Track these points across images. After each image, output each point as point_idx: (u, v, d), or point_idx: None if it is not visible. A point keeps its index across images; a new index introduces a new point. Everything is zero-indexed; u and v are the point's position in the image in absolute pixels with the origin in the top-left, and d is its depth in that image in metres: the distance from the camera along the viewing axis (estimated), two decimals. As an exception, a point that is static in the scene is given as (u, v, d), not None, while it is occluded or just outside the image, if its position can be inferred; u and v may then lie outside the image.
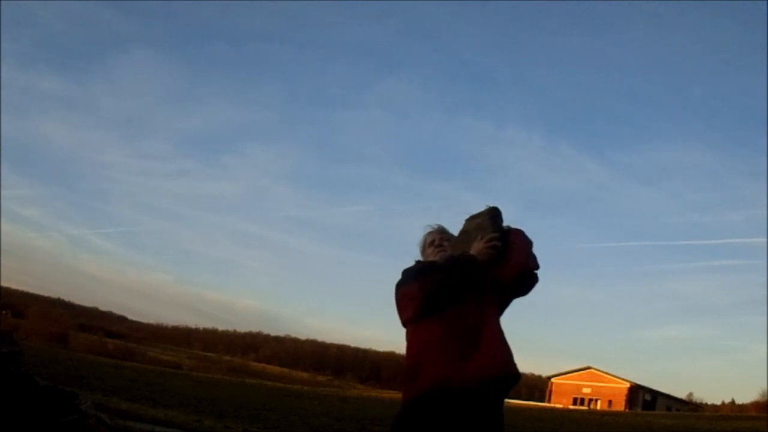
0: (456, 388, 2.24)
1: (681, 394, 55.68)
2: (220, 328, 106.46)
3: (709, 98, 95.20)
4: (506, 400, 2.43)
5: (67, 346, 45.47)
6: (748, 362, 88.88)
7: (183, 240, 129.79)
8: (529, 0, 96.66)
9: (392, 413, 2.43)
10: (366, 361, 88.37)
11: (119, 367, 25.89)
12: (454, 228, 2.68)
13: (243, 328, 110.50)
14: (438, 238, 2.65)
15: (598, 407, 46.12)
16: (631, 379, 50.34)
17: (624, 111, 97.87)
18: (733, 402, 54.23)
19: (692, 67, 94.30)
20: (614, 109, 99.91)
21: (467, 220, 2.57)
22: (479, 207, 2.60)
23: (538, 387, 60.74)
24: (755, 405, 45.72)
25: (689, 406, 52.71)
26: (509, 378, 2.35)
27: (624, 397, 48.74)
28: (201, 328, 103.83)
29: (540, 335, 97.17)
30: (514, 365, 2.39)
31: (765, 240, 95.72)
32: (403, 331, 2.50)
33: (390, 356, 79.46)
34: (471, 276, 2.39)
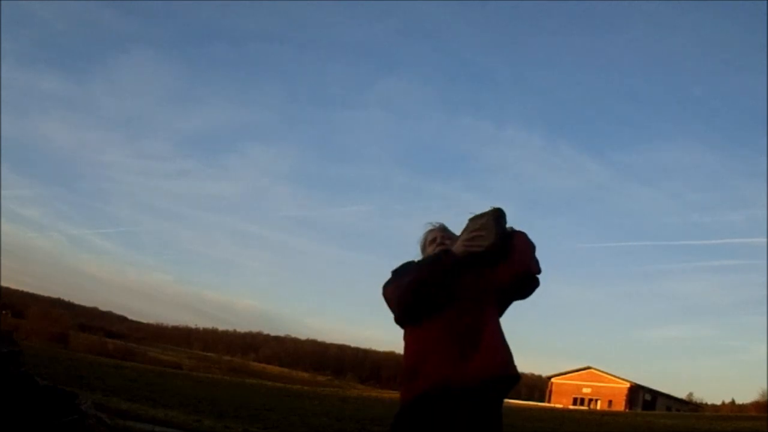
0: (456, 389, 2.24)
1: (681, 394, 55.75)
2: (220, 328, 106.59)
3: (709, 98, 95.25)
4: (506, 400, 2.42)
5: (67, 346, 45.48)
6: (748, 362, 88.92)
7: (183, 240, 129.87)
8: (529, 0, 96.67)
9: (392, 413, 2.42)
10: (366, 361, 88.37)
11: (119, 367, 25.90)
12: (455, 227, 2.67)
13: (243, 328, 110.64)
14: (439, 236, 2.63)
15: (598, 407, 46.12)
16: (631, 379, 50.39)
17: (624, 111, 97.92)
18: (733, 402, 54.27)
19: (692, 67, 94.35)
20: (614, 109, 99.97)
21: (470, 220, 2.54)
22: (479, 207, 2.58)
23: (538, 387, 60.74)
24: (755, 405, 45.72)
25: (689, 406, 52.72)
26: (509, 378, 2.34)
27: (624, 397, 48.74)
28: (201, 328, 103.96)
29: (540, 335, 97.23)
30: (514, 366, 2.39)
31: (765, 240, 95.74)
32: (402, 331, 2.50)
33: (390, 356, 79.43)
34: (448, 273, 2.36)
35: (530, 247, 2.49)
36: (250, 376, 49.95)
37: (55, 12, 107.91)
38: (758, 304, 75.97)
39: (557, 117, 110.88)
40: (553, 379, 55.04)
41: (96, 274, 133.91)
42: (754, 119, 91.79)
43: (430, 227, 2.69)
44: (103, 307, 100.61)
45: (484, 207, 2.56)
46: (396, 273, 2.51)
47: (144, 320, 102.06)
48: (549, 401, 49.83)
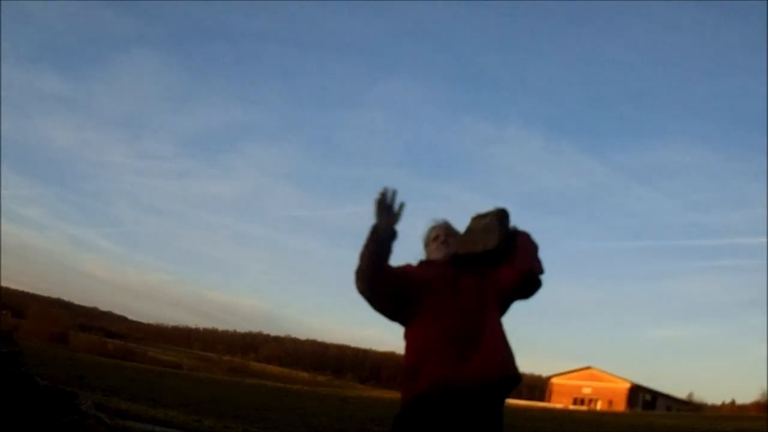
0: (455, 388, 2.23)
1: (681, 394, 55.74)
2: (220, 328, 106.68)
3: (709, 98, 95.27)
4: (506, 400, 2.42)
5: (67, 346, 45.48)
6: (748, 362, 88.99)
7: (183, 240, 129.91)
8: (529, 0, 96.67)
9: (392, 413, 2.42)
10: (366, 361, 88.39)
11: (119, 367, 25.90)
12: (458, 226, 2.67)
13: (243, 328, 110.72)
14: (443, 233, 2.62)
15: (598, 407, 46.12)
16: (631, 379, 50.39)
17: (624, 111, 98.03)
18: (733, 402, 54.21)
19: (693, 67, 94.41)
20: (615, 109, 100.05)
21: (474, 219, 2.54)
22: (479, 207, 2.58)
23: (538, 387, 60.74)
24: (755, 405, 45.69)
25: (689, 406, 52.69)
26: (509, 379, 2.33)
27: (624, 397, 48.75)
28: (201, 328, 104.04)
29: (540, 335, 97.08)
30: (515, 366, 2.38)
31: (765, 240, 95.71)
32: (402, 330, 2.50)
33: (390, 356, 79.45)
34: (385, 243, 2.35)
35: (533, 247, 2.48)
36: (250, 376, 49.95)
37: (55, 12, 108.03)
38: (758, 304, 75.89)
39: (558, 117, 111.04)
40: (553, 379, 55.05)
41: (96, 274, 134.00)
42: (754, 119, 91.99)
43: (433, 223, 2.68)
44: (103, 307, 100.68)
45: (485, 207, 2.57)
46: None
47: (144, 320, 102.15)
48: (549, 401, 49.81)
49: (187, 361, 63.45)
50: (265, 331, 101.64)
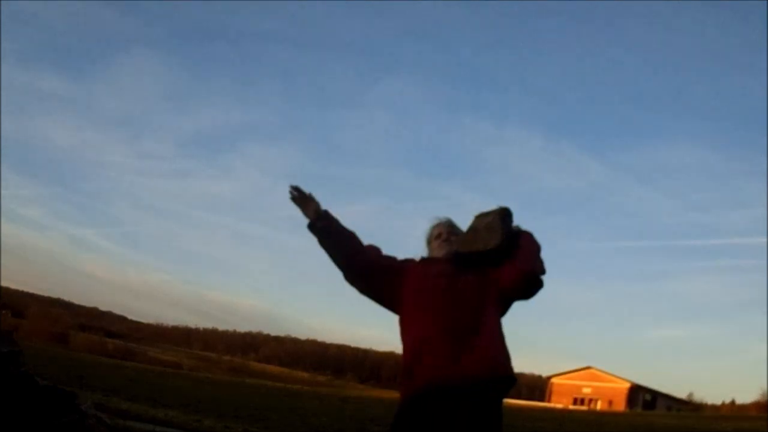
0: (449, 387, 2.23)
1: (681, 394, 55.67)
2: (220, 328, 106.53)
3: (709, 98, 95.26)
4: (506, 400, 2.42)
5: (67, 346, 45.49)
6: (748, 362, 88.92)
7: (183, 240, 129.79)
8: (529, 0, 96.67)
9: (392, 413, 2.42)
10: (366, 361, 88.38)
11: (119, 367, 25.91)
12: (458, 226, 2.67)
13: (243, 328, 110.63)
14: (445, 231, 2.62)
15: (598, 407, 46.12)
16: (631, 379, 50.38)
17: (624, 111, 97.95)
18: (733, 402, 54.09)
19: (693, 67, 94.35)
20: (615, 109, 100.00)
21: (477, 217, 2.54)
22: (479, 207, 2.58)
23: (538, 387, 60.73)
24: (755, 405, 45.64)
25: (689, 406, 52.63)
26: (503, 379, 2.33)
27: (624, 397, 48.74)
28: (201, 328, 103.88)
29: (540, 335, 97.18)
30: (509, 367, 2.37)
31: (765, 240, 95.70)
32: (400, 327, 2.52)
33: (390, 356, 79.41)
34: (328, 229, 2.57)
35: (535, 247, 2.48)
36: (250, 376, 49.95)
37: (55, 12, 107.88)
38: (758, 304, 75.81)
39: (558, 117, 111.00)
40: (553, 379, 55.03)
41: (96, 274, 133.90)
42: (754, 119, 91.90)
43: (436, 221, 2.69)
44: (103, 307, 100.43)
45: (485, 207, 2.57)
46: None
47: (144, 320, 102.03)
48: (549, 401, 49.81)
49: (187, 361, 63.46)
50: (265, 331, 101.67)
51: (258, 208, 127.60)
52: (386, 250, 2.64)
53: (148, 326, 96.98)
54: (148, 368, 32.33)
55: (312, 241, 2.63)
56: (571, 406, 44.57)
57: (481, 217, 2.52)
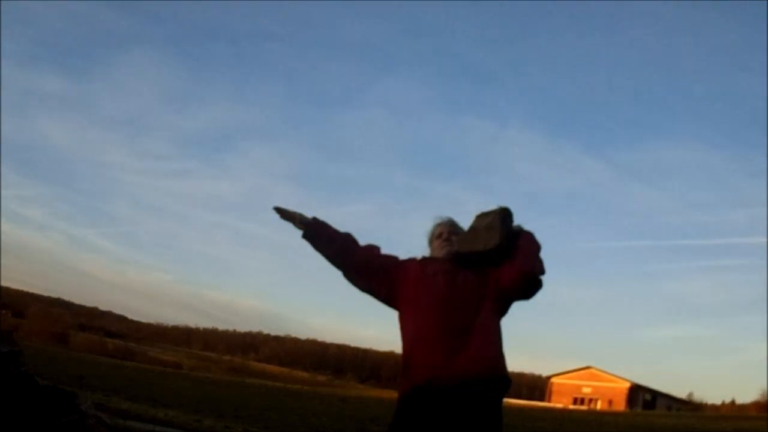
0: (444, 386, 2.24)
1: (681, 394, 55.70)
2: (220, 327, 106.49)
3: (710, 97, 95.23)
4: (506, 400, 2.42)
5: (67, 346, 45.50)
6: (748, 362, 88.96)
7: (183, 240, 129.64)
8: (530, 0, 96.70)
9: (392, 413, 2.43)
10: (366, 361, 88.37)
11: (119, 367, 25.91)
12: (460, 225, 2.68)
13: (243, 327, 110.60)
14: (446, 231, 2.63)
15: (598, 407, 46.13)
16: (631, 379, 50.39)
17: (625, 110, 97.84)
18: (733, 402, 54.16)
19: (693, 67, 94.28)
20: (615, 108, 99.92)
21: (477, 217, 2.55)
22: (479, 207, 2.59)
23: (538, 387, 60.75)
24: (755, 405, 45.66)
25: (689, 406, 52.67)
26: (495, 379, 2.33)
27: (624, 397, 48.76)
28: (201, 328, 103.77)
29: (540, 335, 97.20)
30: (502, 367, 2.38)
31: (765, 240, 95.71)
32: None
33: (390, 356, 79.38)
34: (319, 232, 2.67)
35: (535, 247, 2.48)
36: (250, 375, 49.95)
37: (55, 12, 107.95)
38: (758, 304, 75.78)
39: (558, 117, 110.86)
40: (553, 379, 55.04)
41: (96, 274, 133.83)
42: (754, 118, 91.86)
43: (438, 221, 2.71)
44: (103, 307, 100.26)
45: (485, 207, 2.57)
46: None
47: (144, 320, 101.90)
48: (549, 401, 49.82)
49: (187, 361, 63.47)
50: (265, 331, 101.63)
51: (258, 208, 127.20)
52: (386, 250, 2.66)
53: (148, 326, 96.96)
54: (148, 368, 32.34)
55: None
56: (571, 406, 44.56)
57: (481, 217, 2.53)
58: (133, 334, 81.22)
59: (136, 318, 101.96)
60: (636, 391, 49.88)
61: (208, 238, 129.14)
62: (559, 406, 42.80)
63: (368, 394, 36.40)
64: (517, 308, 2.52)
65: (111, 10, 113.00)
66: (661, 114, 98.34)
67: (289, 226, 2.70)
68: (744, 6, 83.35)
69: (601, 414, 32.58)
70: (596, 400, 49.09)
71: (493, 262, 2.45)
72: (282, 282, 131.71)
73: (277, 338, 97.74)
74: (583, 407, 43.90)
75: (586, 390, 51.22)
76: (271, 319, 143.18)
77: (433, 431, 2.23)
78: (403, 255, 2.66)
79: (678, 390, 68.68)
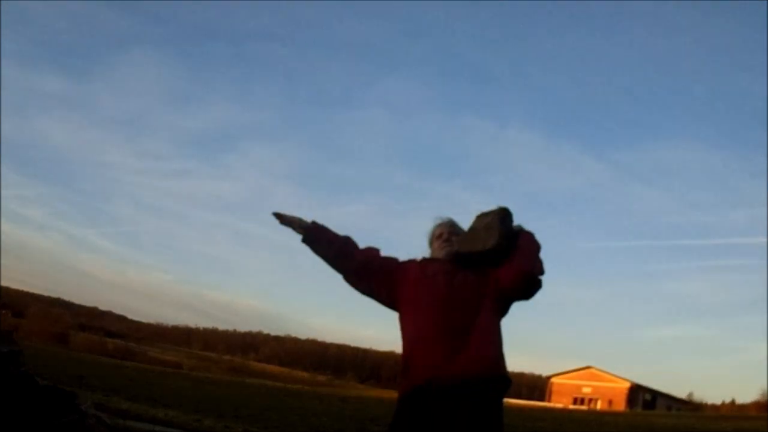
0: (443, 386, 2.25)
1: (681, 394, 55.71)
2: (221, 327, 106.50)
3: (709, 97, 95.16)
4: (506, 399, 2.42)
5: (67, 346, 45.50)
6: (748, 362, 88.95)
7: (183, 240, 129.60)
8: (530, 0, 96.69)
9: (392, 413, 2.43)
10: (366, 361, 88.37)
11: (119, 367, 25.92)
12: (460, 225, 2.68)
13: (243, 327, 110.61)
14: (446, 232, 2.64)
15: (598, 407, 46.12)
16: (631, 379, 50.39)
17: (625, 110, 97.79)
18: (733, 402, 54.15)
19: (693, 67, 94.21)
20: (615, 108, 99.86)
21: (477, 217, 2.55)
22: (480, 207, 2.59)
23: (538, 387, 60.74)
24: (755, 405, 45.66)
25: (689, 406, 52.66)
26: (495, 379, 2.33)
27: (624, 397, 48.75)
28: (201, 328, 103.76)
29: (540, 335, 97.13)
30: (502, 367, 2.37)
31: (765, 240, 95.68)
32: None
33: (390, 356, 79.38)
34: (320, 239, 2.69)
35: (535, 247, 2.48)
36: (250, 375, 49.95)
37: (56, 12, 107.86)
38: (758, 304, 75.75)
39: (558, 116, 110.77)
40: (553, 379, 55.04)
41: (96, 274, 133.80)
42: (754, 118, 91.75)
43: (438, 221, 2.71)
44: (103, 307, 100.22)
45: (485, 207, 2.57)
46: None
47: (144, 320, 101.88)
48: (549, 401, 49.81)
49: (187, 361, 63.46)
50: (265, 331, 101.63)
51: (258, 208, 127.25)
52: (386, 251, 2.66)
53: (148, 326, 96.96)
54: (148, 368, 32.35)
55: (311, 241, 2.69)
56: (571, 406, 44.56)
57: (480, 218, 2.53)
58: (133, 334, 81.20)
59: (136, 318, 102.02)
60: (636, 391, 49.88)
61: (208, 238, 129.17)
62: (559, 406, 42.80)
63: (368, 394, 36.40)
64: (517, 308, 2.52)
65: (111, 10, 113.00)
66: (661, 114, 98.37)
67: (288, 229, 2.70)
68: (744, 6, 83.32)
69: (601, 414, 32.58)
70: (596, 400, 49.09)
71: (493, 263, 2.45)
72: (282, 282, 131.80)
73: (277, 338, 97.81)
74: (583, 407, 43.90)
75: (586, 390, 51.22)
76: (271, 319, 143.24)
77: (433, 431, 2.24)
78: (403, 256, 2.67)
79: (678, 390, 68.71)
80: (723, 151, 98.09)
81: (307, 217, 2.72)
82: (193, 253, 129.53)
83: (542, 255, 2.49)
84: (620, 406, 46.79)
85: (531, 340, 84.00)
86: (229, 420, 10.35)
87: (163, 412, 9.83)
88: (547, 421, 19.42)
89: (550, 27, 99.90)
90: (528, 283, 2.44)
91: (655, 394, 51.58)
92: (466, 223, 2.61)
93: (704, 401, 55.64)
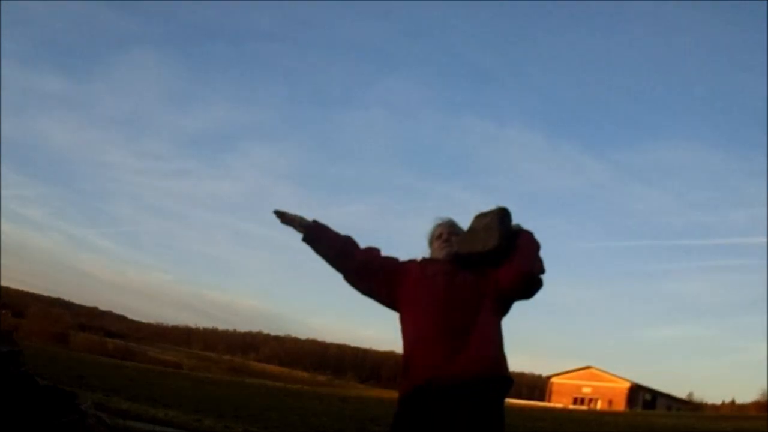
0: (444, 386, 2.25)
1: (681, 394, 55.71)
2: (221, 327, 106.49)
3: (710, 97, 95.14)
4: (506, 399, 2.41)
5: (67, 346, 45.50)
6: (748, 362, 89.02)
7: (183, 240, 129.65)
8: (530, 0, 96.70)
9: (392, 413, 2.44)
10: (366, 361, 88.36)
11: (119, 367, 25.92)
12: (460, 225, 2.67)
13: (243, 327, 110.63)
14: (446, 232, 2.64)
15: (598, 407, 46.13)
16: (631, 379, 50.39)
17: (625, 110, 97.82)
18: (733, 402, 54.16)
19: (693, 67, 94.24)
20: (615, 108, 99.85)
21: (476, 218, 2.55)
22: (480, 207, 2.58)
23: (538, 387, 60.75)
24: (755, 405, 45.67)
25: (689, 406, 52.67)
26: (496, 379, 2.33)
27: (624, 397, 48.76)
28: (201, 328, 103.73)
29: (540, 335, 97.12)
30: (504, 367, 2.37)
31: (765, 240, 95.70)
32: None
33: (390, 356, 79.37)
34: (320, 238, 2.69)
35: (535, 247, 2.48)
36: (250, 375, 49.96)
37: (56, 12, 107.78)
38: (758, 304, 75.76)
39: (558, 116, 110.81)
40: (553, 379, 55.04)
41: (96, 274, 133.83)
42: (754, 118, 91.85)
43: (438, 221, 2.71)
44: (103, 307, 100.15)
45: (485, 207, 2.57)
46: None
47: (144, 320, 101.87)
48: (549, 401, 49.82)
49: (187, 360, 63.48)
50: (265, 331, 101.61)
51: (258, 208, 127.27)
52: (386, 250, 2.66)
53: (148, 326, 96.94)
54: (148, 368, 32.34)
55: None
56: (571, 406, 44.56)
57: (480, 218, 2.53)
58: (133, 334, 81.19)
59: (136, 318, 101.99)
60: (636, 391, 49.89)
61: (208, 238, 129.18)
62: (559, 406, 42.80)
63: (368, 394, 36.40)
64: (517, 308, 2.52)
65: (111, 10, 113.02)
66: (661, 114, 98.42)
67: (289, 227, 2.70)
68: (744, 6, 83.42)
69: (601, 414, 32.59)
70: (596, 400, 49.10)
71: (493, 263, 2.45)
72: (282, 282, 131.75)
73: (277, 338, 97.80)
74: (583, 407, 43.90)
75: (586, 390, 51.23)
76: (271, 319, 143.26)
77: (434, 431, 2.23)
78: (403, 256, 2.67)
79: (678, 390, 68.69)
80: (723, 151, 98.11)
81: (308, 217, 2.71)
82: (193, 253, 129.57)
83: (542, 254, 2.49)
84: (620, 406, 46.79)
85: (531, 340, 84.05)
86: (229, 420, 10.35)
87: (163, 412, 9.83)
88: (547, 421, 19.42)
89: (550, 27, 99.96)
90: (528, 283, 2.44)
91: (655, 394, 51.59)
92: (465, 223, 2.61)
93: (704, 401, 55.71)
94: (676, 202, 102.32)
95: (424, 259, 2.63)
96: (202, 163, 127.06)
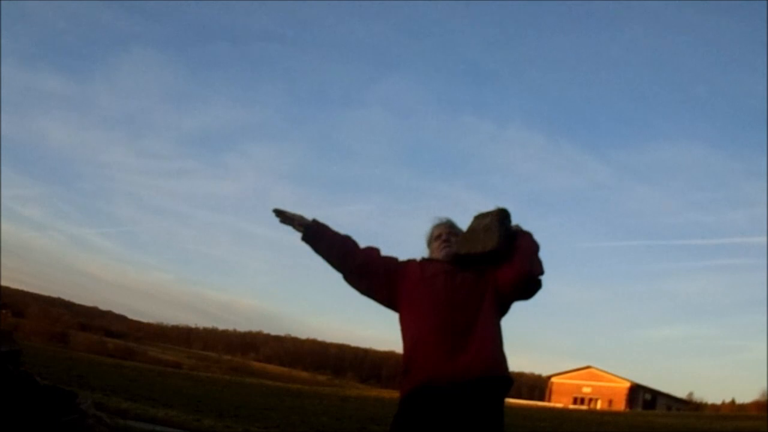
0: (444, 386, 2.24)
1: (681, 394, 55.73)
2: (221, 327, 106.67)
3: (710, 97, 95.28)
4: (506, 399, 2.41)
5: (67, 345, 45.50)
6: (748, 362, 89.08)
7: (183, 240, 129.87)
8: (530, 0, 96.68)
9: (392, 413, 2.44)
10: (366, 361, 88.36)
11: (119, 367, 25.92)
12: (459, 226, 2.67)
13: (243, 327, 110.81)
14: (445, 232, 2.63)
15: (598, 407, 46.12)
16: (631, 379, 50.40)
17: (625, 110, 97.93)
18: (733, 402, 54.22)
19: (693, 67, 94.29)
20: (615, 108, 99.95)
21: (476, 218, 2.54)
22: (480, 207, 2.58)
23: (538, 386, 60.76)
24: (756, 405, 45.68)
25: (689, 405, 52.69)
26: (497, 379, 2.32)
27: (624, 397, 48.77)
28: (201, 328, 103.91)
29: (540, 335, 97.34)
30: (504, 367, 2.37)
31: (765, 240, 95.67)
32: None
33: (390, 356, 79.42)
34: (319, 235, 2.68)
35: (534, 247, 2.48)
36: (250, 375, 49.96)
37: (56, 11, 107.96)
38: (758, 304, 75.86)
39: (559, 116, 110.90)
40: (553, 379, 55.04)
41: (96, 273, 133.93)
42: (754, 118, 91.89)
43: (437, 221, 2.71)
44: (103, 307, 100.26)
45: (485, 207, 2.57)
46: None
47: (144, 320, 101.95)
48: (549, 401, 49.83)
49: (187, 360, 63.52)
50: (265, 331, 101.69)
51: (258, 208, 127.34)
52: (386, 250, 2.65)
53: (148, 326, 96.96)
54: (148, 368, 32.34)
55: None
56: (571, 406, 44.56)
57: (479, 218, 2.53)
58: (133, 334, 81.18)
59: (136, 318, 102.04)
60: (636, 391, 49.89)
61: (208, 238, 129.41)
62: (559, 406, 42.81)
63: (368, 394, 36.39)
64: (517, 308, 2.52)
65: (111, 10, 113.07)
66: (662, 113, 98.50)
67: (288, 226, 2.69)
68: (744, 6, 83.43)
69: (601, 414, 32.59)
70: (596, 400, 49.10)
71: (492, 263, 2.45)
72: (282, 282, 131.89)
73: (277, 338, 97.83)
74: (583, 407, 43.89)
75: (586, 390, 51.23)
76: (271, 319, 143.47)
77: (434, 431, 2.23)
78: (403, 256, 2.66)
79: (678, 390, 68.85)
80: (723, 151, 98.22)
81: (308, 216, 2.71)
82: (193, 253, 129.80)
83: (542, 255, 2.48)
84: (620, 406, 46.80)
85: (531, 340, 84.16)
86: (229, 420, 10.35)
87: (163, 412, 9.83)
88: (547, 421, 19.43)
89: (550, 27, 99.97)
90: (527, 284, 2.44)
91: (655, 394, 51.59)
92: (465, 223, 2.61)
93: (704, 401, 55.76)
94: (676, 202, 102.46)
95: (424, 260, 2.63)
96: (202, 163, 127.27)
